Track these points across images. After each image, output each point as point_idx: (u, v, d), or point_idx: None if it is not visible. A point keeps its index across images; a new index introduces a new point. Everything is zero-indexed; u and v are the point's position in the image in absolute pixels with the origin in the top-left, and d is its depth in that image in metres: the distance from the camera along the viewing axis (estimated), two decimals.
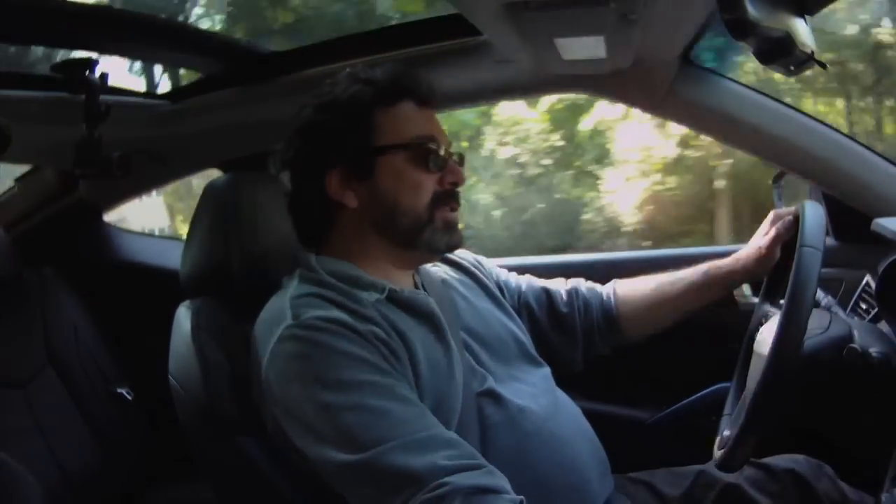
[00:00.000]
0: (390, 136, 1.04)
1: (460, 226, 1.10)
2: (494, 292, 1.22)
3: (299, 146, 1.07)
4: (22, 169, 1.95)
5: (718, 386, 1.41)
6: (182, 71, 1.90)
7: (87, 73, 1.27)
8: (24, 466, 1.29)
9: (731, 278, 1.25)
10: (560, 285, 1.31)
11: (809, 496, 1.11)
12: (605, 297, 1.29)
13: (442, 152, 1.05)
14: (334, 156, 1.04)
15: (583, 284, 1.32)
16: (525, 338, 1.18)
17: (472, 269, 1.24)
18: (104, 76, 1.30)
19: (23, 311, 1.75)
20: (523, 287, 1.29)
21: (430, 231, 1.05)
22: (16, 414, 1.64)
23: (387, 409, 0.88)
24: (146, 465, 1.81)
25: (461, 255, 1.26)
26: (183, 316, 1.13)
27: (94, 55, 1.31)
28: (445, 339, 1.04)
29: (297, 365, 0.92)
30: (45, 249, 1.91)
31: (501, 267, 1.33)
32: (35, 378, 1.70)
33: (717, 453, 1.01)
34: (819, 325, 1.00)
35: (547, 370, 1.16)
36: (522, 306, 1.26)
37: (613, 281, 1.32)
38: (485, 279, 1.23)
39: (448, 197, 1.06)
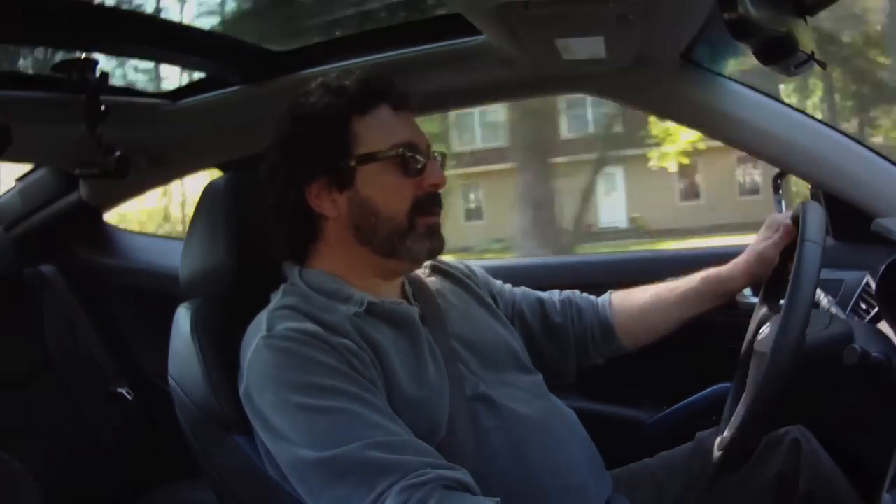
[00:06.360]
0: (368, 144, 1.03)
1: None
2: (487, 301, 1.22)
3: (277, 160, 1.07)
4: (22, 169, 1.95)
5: (718, 386, 1.41)
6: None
7: (87, 73, 1.27)
8: (24, 466, 1.30)
9: (730, 286, 1.24)
10: (554, 295, 1.31)
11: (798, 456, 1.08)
12: (600, 306, 1.29)
13: (420, 156, 1.04)
14: (313, 168, 1.04)
15: (578, 295, 1.32)
16: (519, 346, 1.18)
17: (464, 278, 1.24)
18: (104, 76, 1.30)
19: (22, 311, 1.75)
20: (517, 296, 1.29)
21: (412, 238, 1.04)
22: (15, 414, 1.65)
23: (359, 413, 0.89)
24: (146, 465, 1.81)
25: (452, 264, 1.26)
26: (182, 316, 1.13)
27: (94, 55, 1.31)
28: (429, 347, 1.04)
29: (269, 372, 0.94)
30: (45, 249, 1.91)
31: (497, 268, 1.33)
32: (34, 378, 1.70)
33: (717, 454, 1.01)
34: (819, 325, 1.00)
35: (539, 377, 1.16)
36: (516, 315, 1.26)
37: (609, 291, 1.32)
38: (476, 288, 1.23)
39: (429, 201, 1.05)
